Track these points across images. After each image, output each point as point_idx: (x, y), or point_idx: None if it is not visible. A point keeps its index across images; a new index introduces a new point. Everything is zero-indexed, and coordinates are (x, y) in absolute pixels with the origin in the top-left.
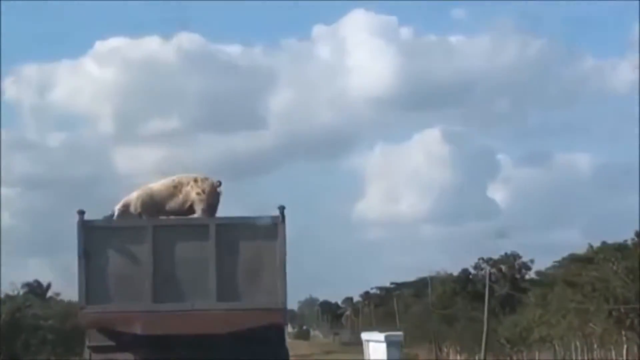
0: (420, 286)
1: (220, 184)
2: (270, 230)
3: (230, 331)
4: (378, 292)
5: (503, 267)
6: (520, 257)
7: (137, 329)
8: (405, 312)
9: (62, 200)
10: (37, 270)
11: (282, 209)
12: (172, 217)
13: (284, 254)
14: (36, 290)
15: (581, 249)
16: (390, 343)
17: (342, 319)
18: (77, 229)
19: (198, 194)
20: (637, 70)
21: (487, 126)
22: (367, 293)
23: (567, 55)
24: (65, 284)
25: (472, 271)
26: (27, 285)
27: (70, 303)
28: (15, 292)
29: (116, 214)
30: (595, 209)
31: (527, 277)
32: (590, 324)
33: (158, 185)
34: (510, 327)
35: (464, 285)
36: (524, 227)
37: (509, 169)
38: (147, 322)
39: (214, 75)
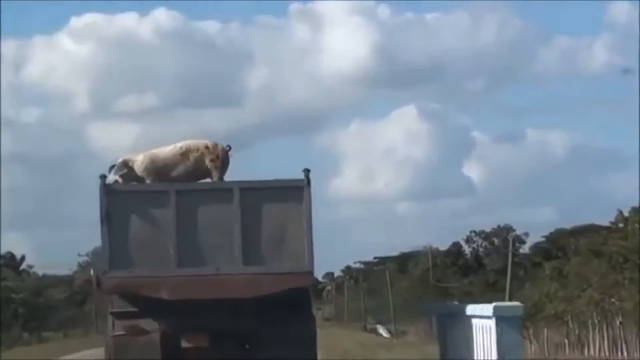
0: (404, 261)
1: (230, 148)
2: (296, 193)
3: (256, 295)
4: (362, 266)
5: (496, 240)
6: (513, 230)
7: (162, 294)
8: (390, 287)
9: (39, 176)
10: (12, 243)
11: (307, 172)
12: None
13: (310, 217)
14: (9, 263)
15: (564, 225)
16: (503, 319)
17: (323, 293)
18: (99, 192)
19: (212, 160)
20: (612, 49)
21: (463, 104)
22: (348, 268)
23: (542, 33)
24: (40, 258)
25: (464, 245)
26: (1, 257)
27: (44, 276)
28: None
29: (115, 168)
30: (571, 187)
31: (521, 250)
32: (613, 299)
33: (164, 151)
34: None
35: (455, 259)
36: (499, 204)
37: (484, 147)
38: (171, 287)
39: (190, 51)
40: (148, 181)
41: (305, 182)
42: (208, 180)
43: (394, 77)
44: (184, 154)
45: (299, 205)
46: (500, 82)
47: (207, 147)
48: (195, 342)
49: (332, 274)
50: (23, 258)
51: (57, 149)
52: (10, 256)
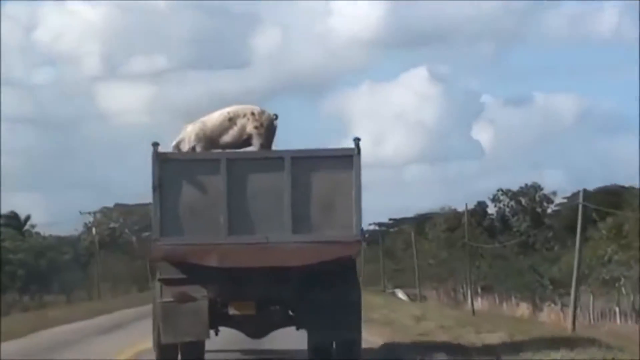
0: (421, 222)
1: (276, 117)
2: (346, 162)
3: (305, 264)
4: (377, 228)
5: (523, 200)
6: (541, 189)
7: (212, 262)
8: (405, 250)
9: (49, 136)
10: (21, 203)
11: (357, 140)
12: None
13: (360, 186)
14: (13, 223)
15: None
16: None
17: None
18: (152, 161)
19: (256, 127)
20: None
21: (473, 67)
22: (362, 230)
23: None
24: (47, 218)
25: (490, 204)
26: (5, 217)
27: (50, 237)
28: None
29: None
30: (579, 151)
31: (549, 211)
32: None
33: (212, 118)
34: (565, 265)
35: (481, 220)
36: (507, 167)
37: (493, 110)
38: (221, 254)
39: (200, 12)
40: (199, 149)
41: (356, 151)
42: (252, 147)
43: (403, 40)
44: (232, 119)
45: (349, 174)
46: (510, 45)
47: (252, 114)
48: (242, 309)
49: None
50: (28, 218)
51: (67, 110)
52: (14, 216)
